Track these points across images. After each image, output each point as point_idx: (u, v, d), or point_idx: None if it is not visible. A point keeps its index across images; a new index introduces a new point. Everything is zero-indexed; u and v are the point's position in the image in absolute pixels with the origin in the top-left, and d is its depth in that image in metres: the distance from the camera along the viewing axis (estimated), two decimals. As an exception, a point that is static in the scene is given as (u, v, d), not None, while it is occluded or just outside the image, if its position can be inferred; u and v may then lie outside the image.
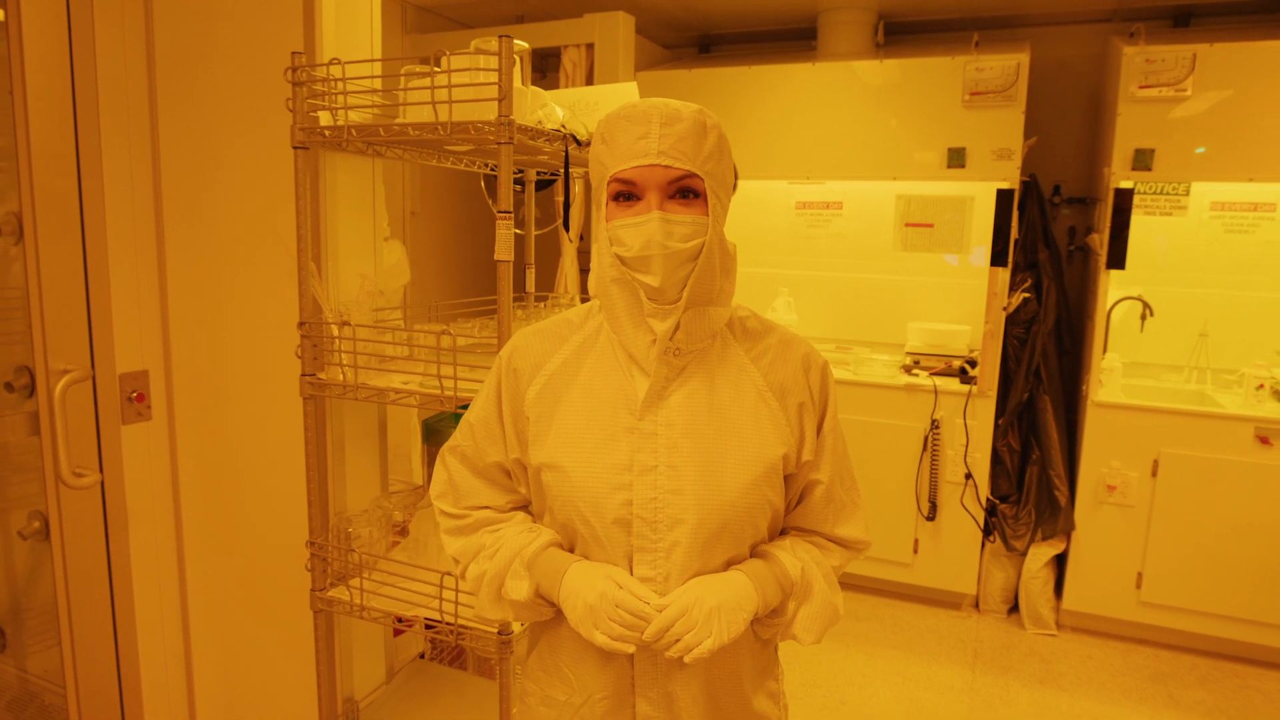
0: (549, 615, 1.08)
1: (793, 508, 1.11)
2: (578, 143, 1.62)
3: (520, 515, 1.13)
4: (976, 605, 3.38)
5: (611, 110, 1.01)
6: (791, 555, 1.07)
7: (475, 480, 1.13)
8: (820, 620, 1.09)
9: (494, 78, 1.36)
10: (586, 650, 1.06)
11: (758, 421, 1.03)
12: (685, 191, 0.97)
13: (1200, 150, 2.87)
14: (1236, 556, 2.90)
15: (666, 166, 0.95)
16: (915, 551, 3.34)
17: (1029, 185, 3.35)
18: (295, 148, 1.52)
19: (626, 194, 0.98)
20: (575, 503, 1.02)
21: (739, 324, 1.10)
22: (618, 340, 1.06)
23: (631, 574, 1.01)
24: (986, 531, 3.28)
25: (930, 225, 3.53)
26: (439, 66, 1.42)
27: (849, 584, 3.50)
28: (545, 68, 4.28)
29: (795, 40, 3.97)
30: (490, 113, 1.37)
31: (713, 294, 1.03)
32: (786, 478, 1.07)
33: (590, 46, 3.44)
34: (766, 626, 1.09)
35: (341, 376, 1.56)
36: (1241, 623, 2.93)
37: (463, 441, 1.13)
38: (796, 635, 1.09)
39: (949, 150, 3.19)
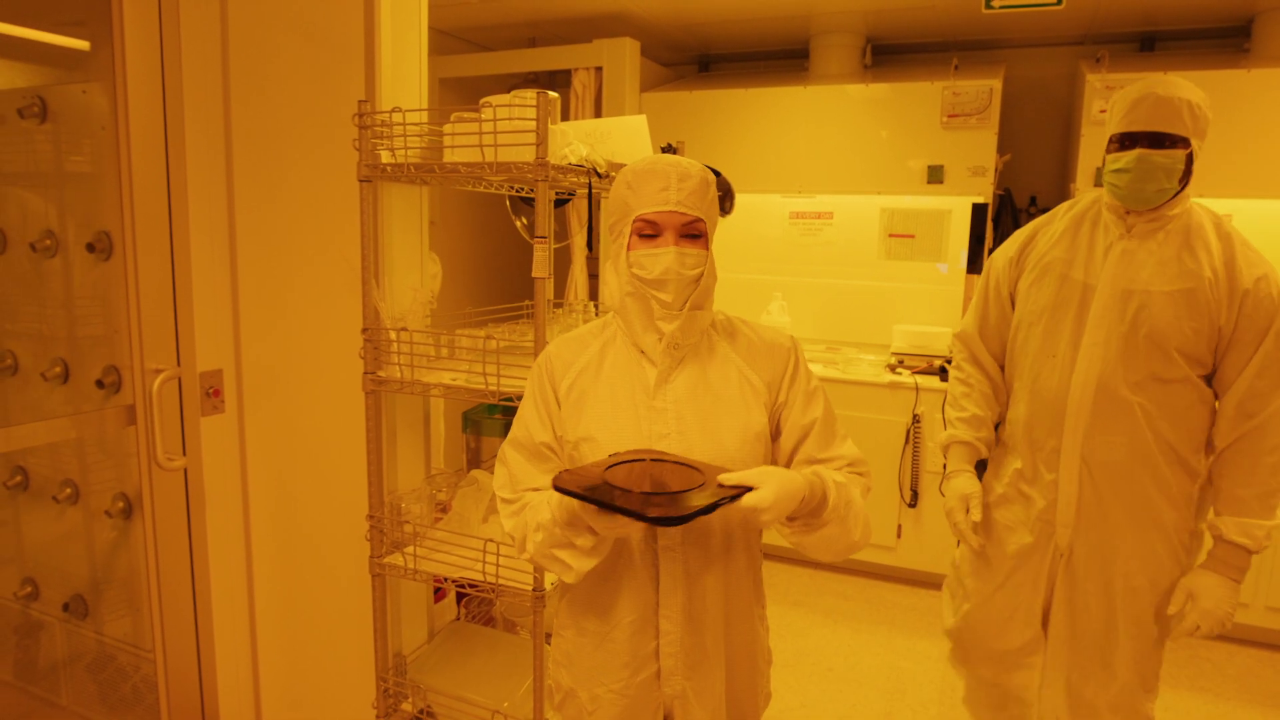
0: (596, 553, 1.27)
1: (797, 448, 1.36)
2: (598, 175, 1.89)
3: (548, 494, 1.33)
4: (956, 586, 3.65)
5: (635, 162, 1.30)
6: (832, 476, 1.28)
7: (528, 464, 1.36)
8: (837, 543, 1.28)
9: (531, 125, 1.64)
10: (617, 584, 1.33)
11: (743, 395, 1.33)
12: (692, 232, 1.28)
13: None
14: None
15: (681, 213, 1.26)
16: (899, 536, 3.63)
17: (1004, 198, 3.64)
18: (361, 181, 1.80)
19: (650, 232, 1.27)
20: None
21: (722, 325, 1.41)
22: (630, 341, 1.35)
23: None
24: (964, 517, 3.56)
25: (912, 236, 3.82)
26: (483, 115, 1.70)
27: (837, 566, 3.79)
28: (554, 84, 4.56)
29: (789, 59, 4.25)
30: (527, 154, 1.65)
31: (705, 303, 1.34)
32: (777, 431, 1.36)
33: (599, 70, 3.72)
34: (804, 523, 1.26)
35: (399, 374, 1.84)
36: (1194, 599, 3.22)
37: (518, 432, 1.39)
38: (814, 543, 1.28)
39: (929, 167, 3.48)
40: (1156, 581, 1.77)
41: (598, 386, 1.34)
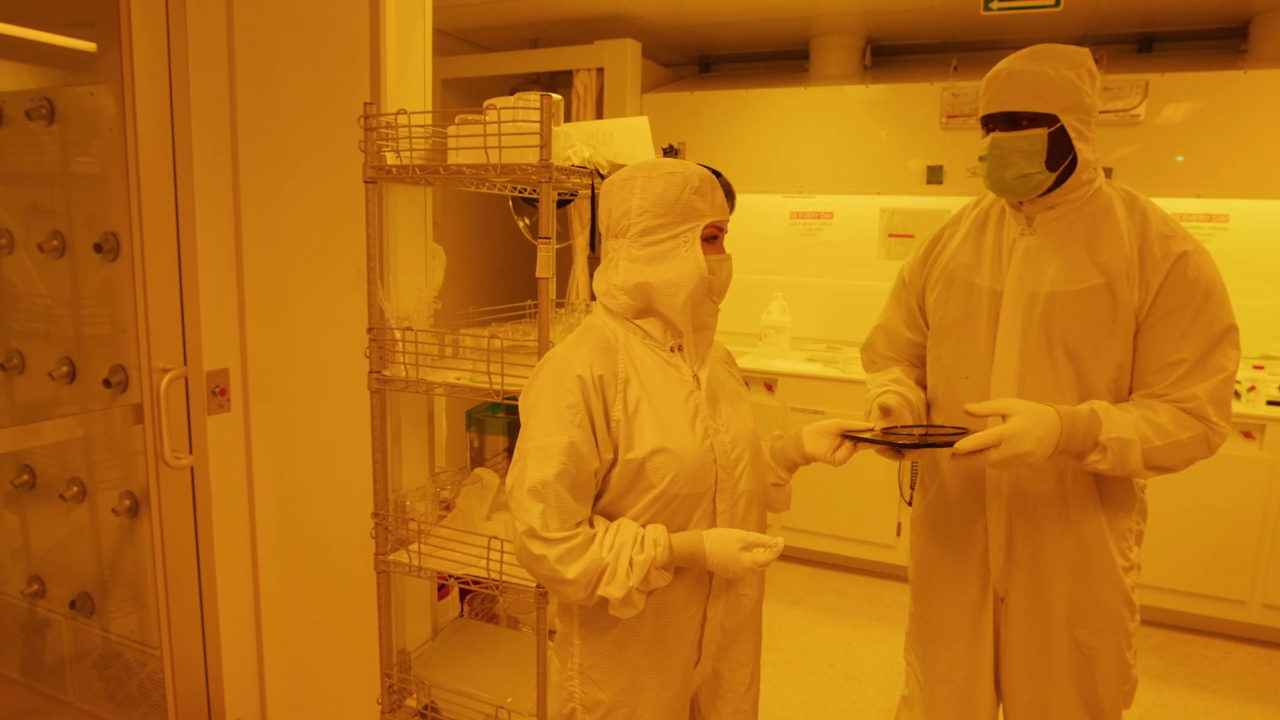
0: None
1: None
2: (600, 176, 1.91)
3: (620, 523, 1.29)
4: (955, 584, 3.67)
5: (670, 165, 1.32)
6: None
7: (572, 500, 1.25)
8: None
9: (535, 127, 1.66)
10: (674, 585, 1.32)
11: (738, 387, 1.46)
12: None
13: (1179, 158, 3.17)
14: (1189, 538, 3.20)
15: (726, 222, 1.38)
16: (898, 534, 3.64)
17: (1003, 199, 3.66)
18: (366, 182, 1.82)
19: (715, 237, 1.35)
20: (684, 471, 1.28)
21: None
22: (660, 343, 1.35)
23: (715, 510, 1.33)
24: (963, 516, 3.57)
25: (912, 236, 3.84)
26: (488, 117, 1.72)
27: (837, 564, 3.81)
28: (555, 84, 4.57)
29: (789, 60, 4.26)
30: (532, 156, 1.67)
31: None
32: None
33: (600, 70, 3.74)
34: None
35: (404, 373, 1.86)
36: (1191, 596, 3.23)
37: (567, 464, 1.23)
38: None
39: (928, 168, 3.50)
40: (1105, 634, 1.60)
41: (649, 396, 1.31)
